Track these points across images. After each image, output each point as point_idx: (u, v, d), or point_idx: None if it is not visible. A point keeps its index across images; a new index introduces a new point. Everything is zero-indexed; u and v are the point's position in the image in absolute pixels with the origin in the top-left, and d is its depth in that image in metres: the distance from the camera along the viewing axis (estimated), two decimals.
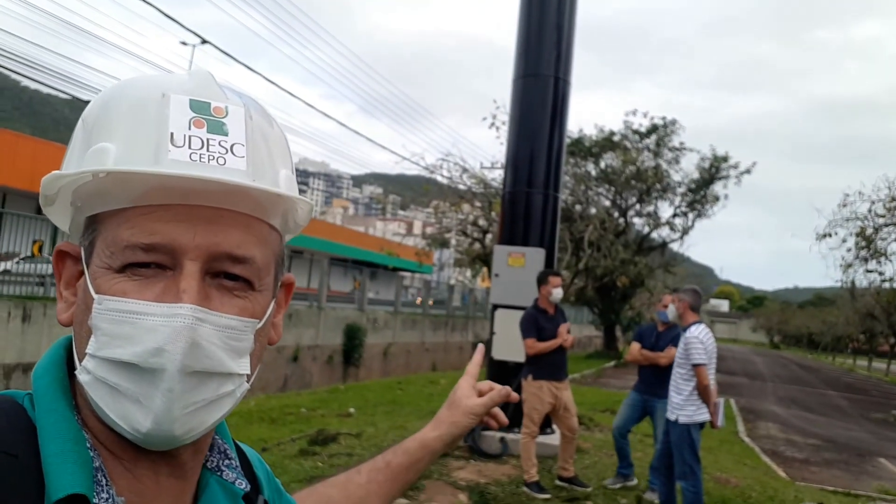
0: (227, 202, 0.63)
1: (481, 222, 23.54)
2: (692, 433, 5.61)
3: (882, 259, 20.12)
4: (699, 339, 5.58)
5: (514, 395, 1.11)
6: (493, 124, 21.80)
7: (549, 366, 6.58)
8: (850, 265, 20.76)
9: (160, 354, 0.58)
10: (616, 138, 26.52)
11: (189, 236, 0.61)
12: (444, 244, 26.55)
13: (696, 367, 5.52)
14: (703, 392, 5.55)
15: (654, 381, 6.56)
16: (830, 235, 20.77)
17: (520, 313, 7.02)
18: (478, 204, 23.03)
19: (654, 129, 26.86)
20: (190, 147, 0.61)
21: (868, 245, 19.80)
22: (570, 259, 21.60)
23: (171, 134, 0.61)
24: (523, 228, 8.43)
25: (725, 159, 27.21)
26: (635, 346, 7.01)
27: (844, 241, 20.60)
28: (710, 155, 27.34)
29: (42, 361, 0.68)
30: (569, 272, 21.56)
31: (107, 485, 0.62)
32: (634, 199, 27.30)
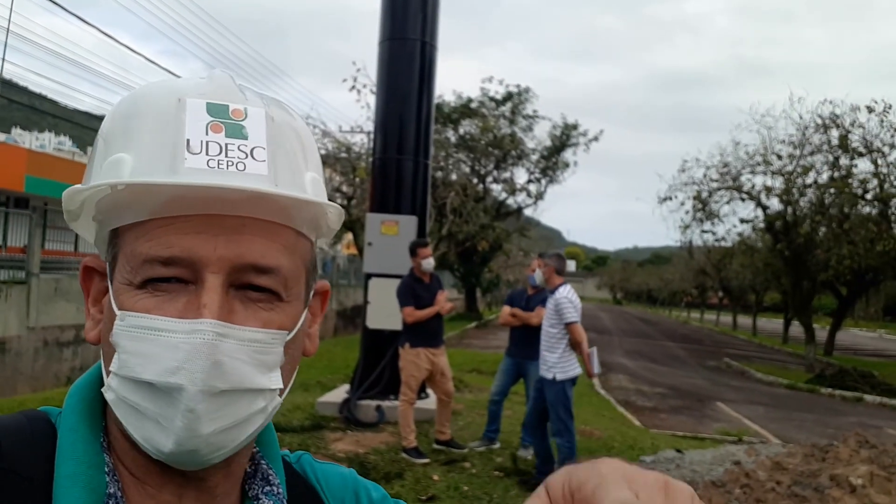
0: (249, 210, 0.59)
1: (345, 188, 23.17)
2: (567, 390, 5.88)
3: (715, 220, 22.04)
4: (568, 298, 5.88)
5: None
6: (353, 87, 21.39)
7: (425, 333, 6.61)
8: (687, 226, 22.56)
9: (178, 373, 0.55)
10: (474, 105, 26.95)
11: (210, 248, 0.58)
12: None
13: (569, 325, 5.80)
14: (577, 347, 5.84)
15: (526, 343, 6.77)
16: (670, 199, 22.44)
17: (394, 282, 6.97)
18: (340, 169, 22.62)
19: (509, 96, 27.56)
20: (207, 153, 0.57)
21: (703, 207, 21.59)
22: (434, 225, 21.84)
23: (188, 140, 0.58)
24: (395, 196, 8.35)
25: (575, 127, 28.48)
26: (506, 309, 7.20)
27: (683, 203, 22.33)
28: (561, 123, 28.53)
29: (80, 379, 0.67)
30: (432, 238, 21.81)
31: None
32: (492, 166, 27.98)
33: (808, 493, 5.11)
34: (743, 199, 21.59)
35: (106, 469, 0.61)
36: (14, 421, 0.63)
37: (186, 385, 0.55)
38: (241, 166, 0.57)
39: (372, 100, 17.58)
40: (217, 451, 0.59)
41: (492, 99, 27.38)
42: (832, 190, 19.43)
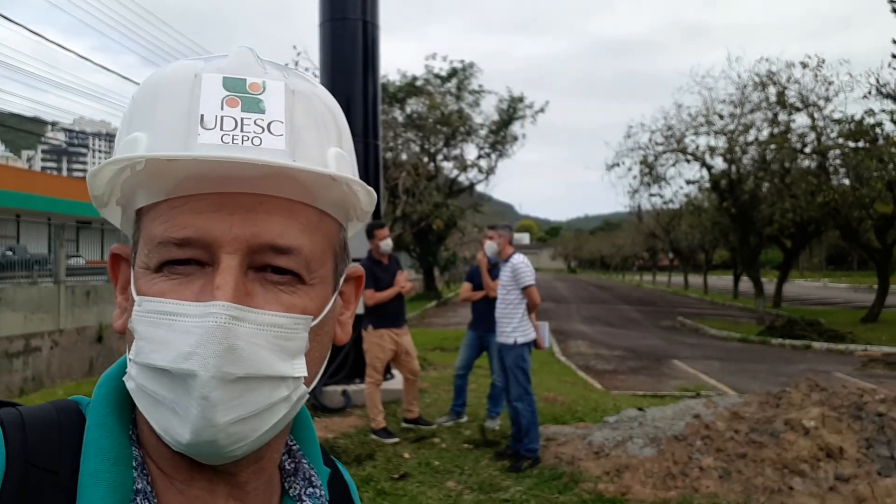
0: (266, 187, 0.57)
1: None
2: (525, 354, 6.01)
3: (662, 183, 22.49)
4: (524, 262, 6.02)
5: None
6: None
7: (388, 314, 6.64)
8: (636, 191, 22.98)
9: (190, 359, 0.53)
10: (419, 83, 26.78)
11: (225, 227, 0.56)
12: None
13: (527, 288, 5.93)
14: (533, 309, 6.01)
15: (489, 315, 6.85)
16: (618, 165, 22.79)
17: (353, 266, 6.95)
18: None
19: (454, 72, 27.46)
20: (222, 128, 0.55)
21: (650, 171, 21.99)
22: (388, 207, 21.75)
23: (202, 116, 0.55)
24: None
25: (521, 100, 28.59)
26: (467, 286, 7.26)
27: (630, 169, 22.70)
28: (508, 97, 28.60)
29: (109, 369, 0.64)
30: (387, 220, 21.74)
31: None
32: (442, 144, 27.93)
33: (764, 438, 5.33)
34: (688, 161, 22.07)
35: (134, 464, 0.59)
36: (44, 413, 0.61)
37: (199, 371, 0.52)
38: (256, 141, 0.55)
39: None
40: (238, 442, 0.56)
41: (437, 76, 27.25)
42: (773, 146, 20.00)
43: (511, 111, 28.46)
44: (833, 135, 20.35)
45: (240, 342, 0.53)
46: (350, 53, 8.18)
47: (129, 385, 0.57)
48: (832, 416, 5.24)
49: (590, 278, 77.05)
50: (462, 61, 27.82)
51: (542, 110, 28.88)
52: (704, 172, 22.15)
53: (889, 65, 21.32)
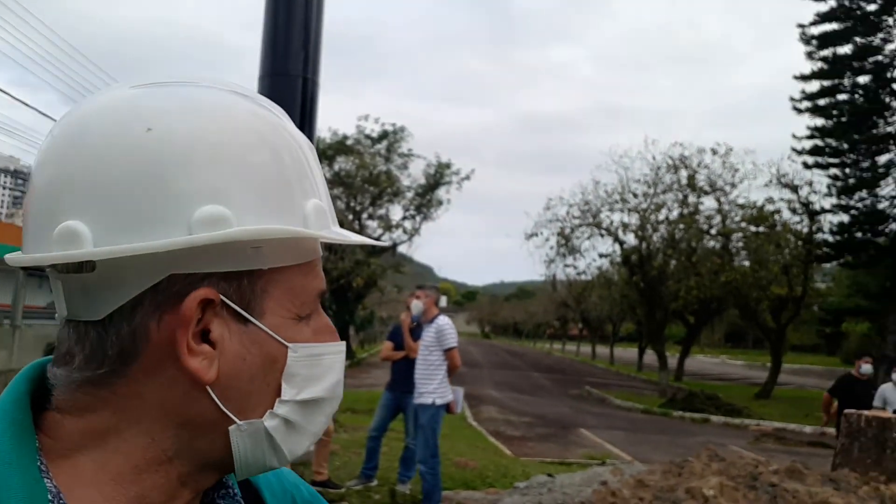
0: None
1: None
2: (440, 417, 6.05)
3: (577, 255, 23.36)
4: (449, 324, 6.14)
5: None
6: None
7: None
8: (552, 261, 23.77)
9: (341, 384, 0.67)
10: (349, 142, 27.08)
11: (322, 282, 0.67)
12: None
13: (449, 350, 6.03)
14: (453, 372, 6.10)
15: (408, 376, 6.87)
16: (537, 235, 23.56)
17: None
18: None
19: (385, 134, 27.94)
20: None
21: (566, 243, 22.83)
22: None
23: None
24: None
25: (448, 166, 29.28)
26: (388, 345, 7.29)
27: (547, 239, 23.51)
28: (436, 162, 29.26)
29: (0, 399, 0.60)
30: None
31: None
32: (368, 203, 28.11)
33: None
34: (602, 235, 23.08)
35: (49, 497, 0.56)
36: None
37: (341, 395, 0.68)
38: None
39: None
40: None
41: (368, 136, 27.64)
42: (681, 225, 21.22)
43: (438, 176, 29.05)
44: (737, 219, 21.83)
45: None
46: (289, 109, 8.09)
47: (271, 423, 0.62)
48: (729, 486, 5.51)
49: (503, 344, 77.84)
50: (394, 124, 28.39)
51: (467, 178, 29.64)
52: (617, 247, 23.19)
53: (789, 157, 23.21)
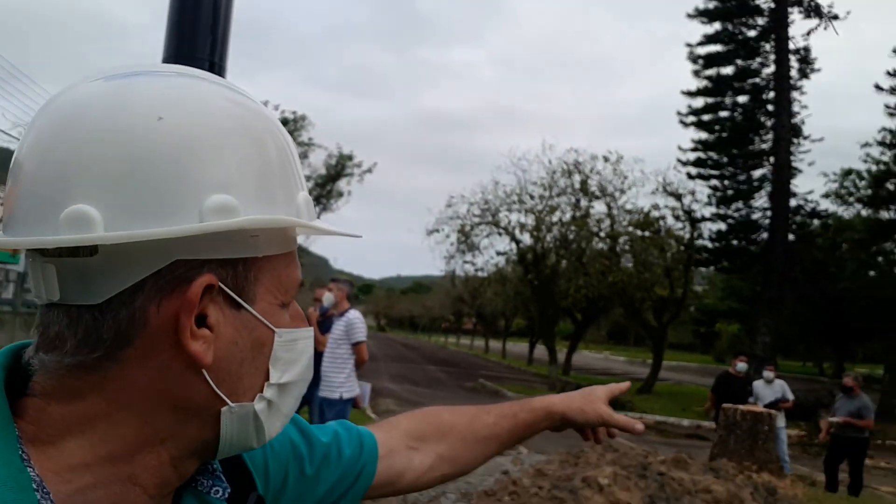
0: None
1: None
2: (347, 412, 6.08)
3: (476, 252, 23.82)
4: (360, 319, 6.16)
5: (640, 428, 1.17)
6: None
7: None
8: (452, 257, 24.11)
9: (311, 367, 0.72)
10: None
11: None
12: None
13: (358, 344, 6.05)
14: (360, 366, 6.14)
15: (315, 369, 6.87)
16: (438, 231, 23.82)
17: None
18: None
19: (284, 122, 27.26)
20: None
21: (466, 240, 23.23)
22: None
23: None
24: None
25: (350, 158, 29.06)
26: None
27: (448, 236, 23.82)
28: (337, 153, 28.93)
29: None
30: None
31: None
32: None
33: (564, 494, 5.82)
34: (500, 234, 23.65)
35: (34, 486, 0.55)
36: None
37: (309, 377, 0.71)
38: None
39: None
40: None
41: None
42: (573, 227, 22.08)
43: (339, 167, 28.75)
44: (624, 223, 22.95)
45: None
46: None
47: (259, 406, 0.65)
48: (622, 475, 5.87)
49: (399, 337, 78.02)
50: (294, 112, 27.83)
51: (369, 170, 29.52)
52: (513, 246, 23.84)
53: (674, 167, 24.62)
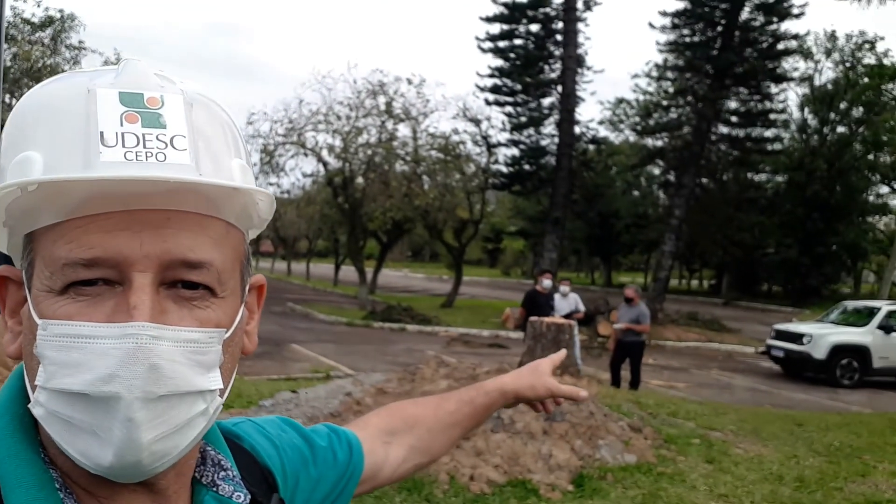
0: (173, 203, 0.56)
1: None
2: None
3: (281, 173, 23.25)
4: None
5: (584, 395, 1.24)
6: None
7: None
8: (255, 178, 23.25)
9: (112, 381, 0.52)
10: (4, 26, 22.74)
11: (135, 245, 0.55)
12: None
13: None
14: None
15: None
16: None
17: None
18: None
19: (50, 21, 24.04)
20: (124, 145, 0.54)
21: (270, 160, 22.53)
22: None
23: (101, 133, 0.54)
24: None
25: None
26: None
27: (250, 155, 22.88)
28: (115, 59, 26.07)
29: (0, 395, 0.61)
30: None
31: None
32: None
33: None
34: (306, 155, 23.22)
35: (57, 486, 0.57)
36: None
37: (123, 393, 0.52)
38: (160, 157, 0.55)
39: None
40: (160, 459, 0.56)
41: (26, 21, 23.48)
42: (381, 150, 22.34)
43: None
44: (427, 147, 23.67)
45: (161, 361, 0.53)
46: None
47: (38, 412, 0.55)
48: (456, 387, 6.46)
49: None
50: (61, 11, 24.49)
51: None
52: (321, 167, 23.60)
53: (473, 93, 25.64)
